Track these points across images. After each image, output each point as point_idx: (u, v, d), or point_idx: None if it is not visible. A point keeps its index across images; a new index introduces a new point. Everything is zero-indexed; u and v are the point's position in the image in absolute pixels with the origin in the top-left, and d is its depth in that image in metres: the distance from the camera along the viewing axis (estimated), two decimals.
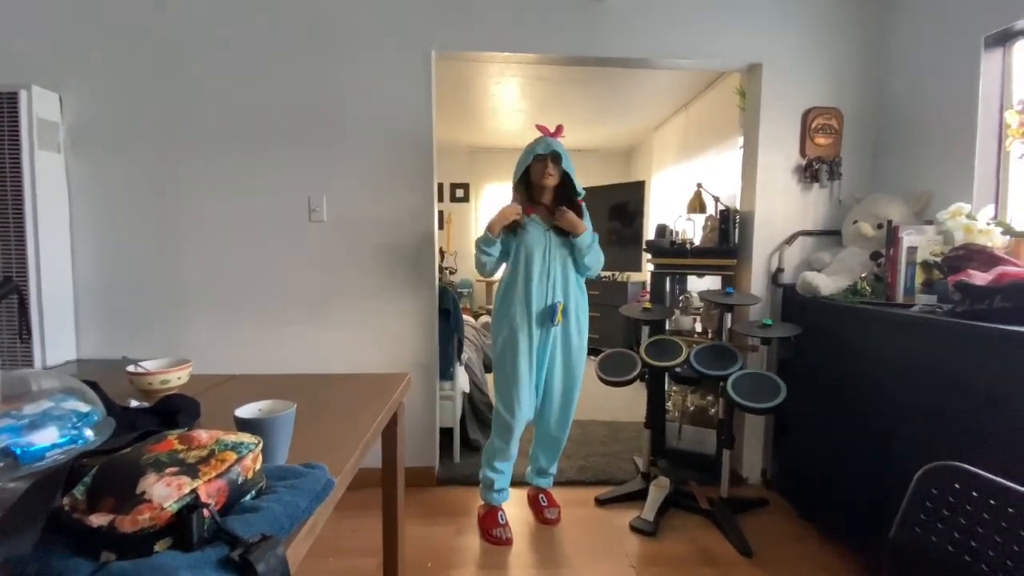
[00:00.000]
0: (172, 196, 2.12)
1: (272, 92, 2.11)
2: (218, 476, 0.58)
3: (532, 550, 1.83)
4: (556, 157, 1.81)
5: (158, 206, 2.12)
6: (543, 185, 1.84)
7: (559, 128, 1.87)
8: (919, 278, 1.75)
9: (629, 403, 3.42)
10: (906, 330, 1.54)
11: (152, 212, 2.12)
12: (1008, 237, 1.59)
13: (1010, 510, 0.68)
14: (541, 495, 2.05)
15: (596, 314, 4.95)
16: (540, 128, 1.86)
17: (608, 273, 5.12)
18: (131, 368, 1.12)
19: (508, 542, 1.85)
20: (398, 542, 1.31)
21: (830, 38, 2.20)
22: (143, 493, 0.52)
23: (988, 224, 1.61)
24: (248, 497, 0.62)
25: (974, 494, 0.72)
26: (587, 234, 1.84)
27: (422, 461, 2.28)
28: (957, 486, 0.74)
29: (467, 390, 2.64)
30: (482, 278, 1.89)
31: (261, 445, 0.65)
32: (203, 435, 0.63)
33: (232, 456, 0.60)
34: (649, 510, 1.98)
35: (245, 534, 0.55)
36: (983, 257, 1.50)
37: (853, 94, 2.21)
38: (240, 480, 0.60)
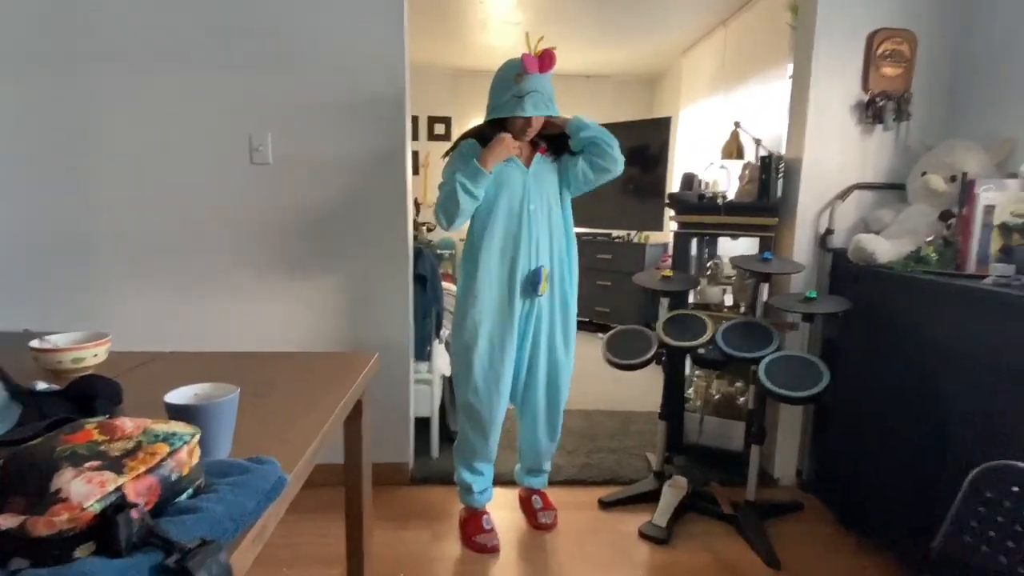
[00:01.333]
0: (76, 133, 2.08)
1: (203, 3, 2.05)
2: (148, 472, 0.59)
3: (523, 560, 1.90)
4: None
5: (58, 145, 2.08)
6: (519, 138, 1.80)
7: (548, 57, 1.71)
8: (995, 243, 1.78)
9: (643, 391, 3.49)
10: (975, 306, 1.57)
11: (50, 153, 2.08)
12: None
13: None
14: (535, 496, 2.12)
15: (606, 283, 5.02)
16: (527, 61, 1.69)
17: (623, 233, 5.12)
18: (36, 343, 1.13)
19: (494, 550, 1.92)
20: (364, 550, 1.36)
21: None
22: (59, 491, 0.54)
23: None
24: (184, 496, 0.64)
25: None
26: (574, 119, 1.82)
27: (394, 456, 2.33)
28: (1015, 489, 0.78)
29: (447, 373, 2.68)
30: (447, 230, 1.87)
31: (198, 436, 0.67)
32: (128, 424, 0.65)
33: (164, 449, 0.62)
34: (662, 514, 2.06)
35: (182, 538, 0.57)
36: None
37: (930, 14, 2.18)
38: (174, 477, 0.62)
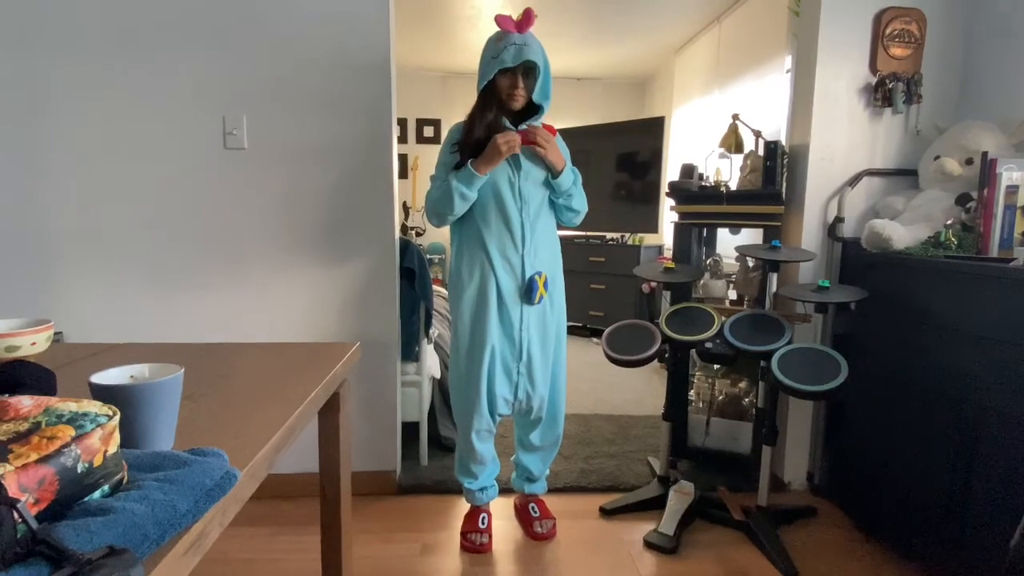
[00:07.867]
0: (29, 116, 1.94)
1: None
2: (40, 460, 0.46)
3: (521, 572, 1.77)
4: (528, 68, 1.66)
5: (9, 129, 1.94)
6: (509, 106, 1.71)
7: (526, 14, 1.64)
8: (1018, 227, 1.69)
9: (640, 394, 3.37)
10: (1006, 291, 1.47)
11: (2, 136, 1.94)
12: None
13: None
14: (532, 504, 1.99)
15: (600, 286, 4.91)
16: (500, 21, 1.65)
17: (616, 235, 5.02)
18: None
19: (480, 549, 1.84)
20: (342, 563, 1.23)
21: None
22: None
23: None
24: (98, 494, 0.51)
25: None
26: (568, 172, 1.78)
27: (380, 464, 2.20)
28: None
29: (437, 375, 2.55)
30: (437, 227, 1.81)
31: (117, 418, 0.53)
32: (25, 403, 0.52)
33: (68, 432, 0.49)
34: (668, 522, 1.93)
35: (83, 547, 0.44)
36: None
37: None
38: (80, 468, 0.49)
